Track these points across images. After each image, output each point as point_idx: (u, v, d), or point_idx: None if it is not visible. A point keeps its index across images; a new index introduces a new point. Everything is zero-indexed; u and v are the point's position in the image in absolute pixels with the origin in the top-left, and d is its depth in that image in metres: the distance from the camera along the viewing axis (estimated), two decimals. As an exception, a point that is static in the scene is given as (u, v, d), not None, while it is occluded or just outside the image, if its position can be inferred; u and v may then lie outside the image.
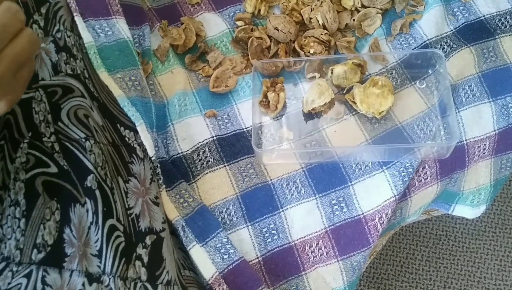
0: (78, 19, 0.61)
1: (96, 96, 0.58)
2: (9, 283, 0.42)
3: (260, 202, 0.63)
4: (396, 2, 0.74)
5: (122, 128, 0.58)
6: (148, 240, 0.52)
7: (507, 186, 1.27)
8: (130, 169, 0.55)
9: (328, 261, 0.61)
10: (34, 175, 0.47)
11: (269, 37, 0.72)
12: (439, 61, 0.67)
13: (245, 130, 0.67)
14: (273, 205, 0.63)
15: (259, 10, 0.75)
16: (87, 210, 0.48)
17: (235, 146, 0.65)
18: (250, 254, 0.60)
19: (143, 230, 0.52)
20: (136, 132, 0.59)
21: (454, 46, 0.70)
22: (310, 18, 0.72)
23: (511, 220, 1.25)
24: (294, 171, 0.64)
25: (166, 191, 0.60)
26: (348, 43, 0.71)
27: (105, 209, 0.49)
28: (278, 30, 0.71)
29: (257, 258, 0.60)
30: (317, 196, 0.63)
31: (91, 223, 0.47)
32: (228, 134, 0.66)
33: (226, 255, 0.57)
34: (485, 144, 0.67)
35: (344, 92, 0.68)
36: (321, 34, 0.70)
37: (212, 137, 0.66)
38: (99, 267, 0.46)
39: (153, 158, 0.59)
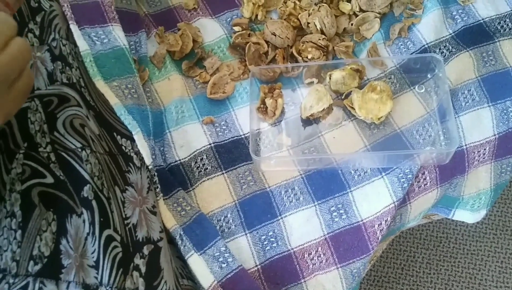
0: (73, 27, 0.60)
1: (92, 105, 0.57)
2: None
3: (258, 209, 0.62)
4: (394, 6, 0.73)
5: (118, 137, 0.58)
6: (145, 250, 0.52)
7: (508, 188, 1.27)
8: (127, 178, 0.55)
9: (328, 268, 0.61)
10: (30, 186, 0.46)
11: (267, 42, 0.72)
12: (438, 66, 0.66)
13: (243, 136, 0.66)
14: (271, 212, 0.62)
15: (256, 15, 0.75)
16: (84, 221, 0.47)
17: (233, 153, 0.65)
18: (248, 262, 0.60)
19: (140, 240, 0.52)
20: (133, 140, 0.58)
21: (453, 50, 0.70)
22: (308, 23, 0.71)
23: (512, 222, 1.24)
24: (293, 178, 0.64)
25: (163, 199, 0.59)
26: (346, 48, 0.71)
27: (102, 219, 0.48)
28: (275, 35, 0.70)
29: (256, 266, 0.60)
30: (316, 203, 0.63)
31: (88, 234, 0.47)
32: (225, 141, 0.66)
33: (224, 263, 0.57)
34: (485, 149, 0.67)
35: (343, 97, 0.68)
36: (319, 39, 0.69)
37: (210, 144, 0.65)
38: (96, 278, 0.46)
39: (150, 167, 0.58)
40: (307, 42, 0.70)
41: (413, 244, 1.23)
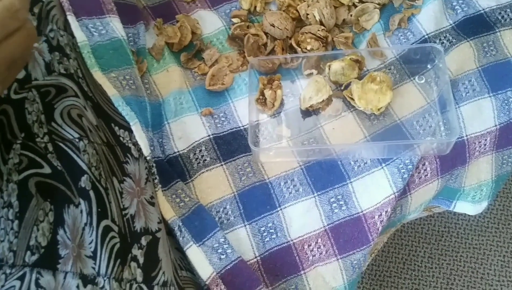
0: (71, 18, 0.60)
1: (90, 95, 0.57)
2: (2, 286, 0.41)
3: (257, 201, 0.62)
4: (394, -4, 0.73)
5: (116, 128, 0.58)
6: (143, 241, 0.52)
7: (510, 181, 1.26)
8: (125, 169, 0.55)
9: (328, 260, 0.61)
10: (27, 176, 0.46)
11: (266, 34, 0.71)
12: (438, 56, 0.66)
13: (241, 128, 0.66)
14: (271, 203, 0.62)
15: (255, 7, 0.74)
16: (81, 211, 0.47)
17: (231, 145, 0.65)
18: (248, 254, 0.59)
19: (138, 230, 0.52)
20: (130, 131, 0.58)
21: (454, 40, 0.69)
22: (307, 14, 0.71)
23: (514, 216, 1.24)
24: (292, 169, 0.63)
25: (162, 190, 0.59)
26: (345, 39, 0.70)
27: (99, 209, 0.48)
28: (274, 26, 0.70)
29: (255, 257, 0.60)
30: (315, 194, 0.62)
31: (85, 224, 0.47)
32: (224, 133, 0.66)
33: (223, 255, 0.56)
34: (486, 140, 0.66)
35: (342, 88, 0.67)
36: (318, 30, 0.69)
37: (209, 135, 0.65)
38: (94, 268, 0.46)
39: (148, 158, 0.58)
40: (306, 33, 0.70)
41: (415, 238, 1.22)
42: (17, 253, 0.43)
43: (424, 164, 0.64)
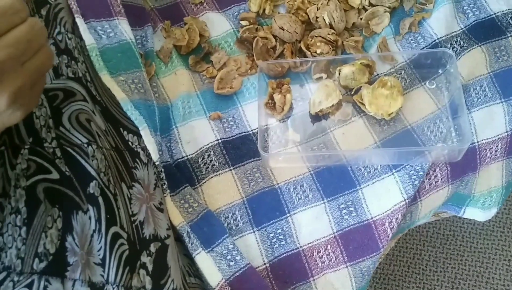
0: (79, 21, 0.59)
1: (98, 99, 0.56)
2: None
3: (267, 206, 0.61)
4: (404, 0, 0.72)
5: (125, 132, 0.57)
6: (152, 248, 0.51)
7: (516, 185, 1.26)
8: (133, 174, 0.54)
9: (337, 266, 0.60)
10: (35, 182, 0.46)
11: (275, 37, 0.71)
12: (450, 61, 0.65)
13: (250, 132, 0.65)
14: (280, 209, 0.61)
15: (264, 9, 0.73)
16: (90, 218, 0.47)
17: (240, 149, 0.64)
18: (257, 260, 0.59)
19: (147, 237, 0.51)
20: (139, 136, 0.57)
21: (465, 45, 0.68)
22: (317, 17, 0.70)
23: (520, 220, 1.23)
24: (302, 175, 0.63)
25: (170, 196, 0.58)
26: (355, 43, 0.70)
27: (108, 216, 0.47)
28: (283, 29, 0.69)
29: (264, 264, 0.59)
30: (325, 200, 0.62)
31: (94, 231, 0.46)
32: (233, 137, 0.65)
33: (232, 261, 0.56)
34: (497, 146, 0.66)
35: (352, 93, 0.67)
36: (328, 34, 0.68)
37: (217, 140, 0.64)
38: (103, 276, 0.45)
39: (157, 163, 0.57)
40: (315, 36, 0.69)
41: (420, 242, 1.22)
42: (25, 260, 0.43)
43: (434, 171, 0.63)
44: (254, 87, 0.68)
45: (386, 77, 0.64)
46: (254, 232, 0.60)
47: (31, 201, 0.45)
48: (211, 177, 0.62)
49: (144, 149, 0.57)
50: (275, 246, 0.60)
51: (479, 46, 0.68)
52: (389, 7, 0.71)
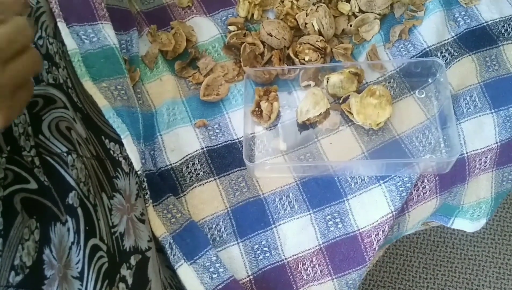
0: (61, 25, 0.58)
1: (79, 106, 0.55)
2: None
3: (251, 217, 0.60)
4: (395, 7, 0.71)
5: (107, 141, 0.56)
6: (132, 260, 0.50)
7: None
8: (114, 184, 0.53)
9: (322, 279, 0.59)
10: (12, 192, 0.44)
11: (263, 43, 0.69)
12: (440, 70, 0.64)
13: (236, 141, 0.64)
14: (265, 220, 0.60)
15: (252, 15, 0.72)
16: (68, 229, 0.45)
17: (226, 158, 0.63)
18: (240, 273, 0.58)
19: (127, 249, 0.50)
20: (121, 144, 0.56)
21: (455, 54, 0.67)
22: (306, 24, 0.69)
23: (511, 227, 1.23)
24: (288, 185, 0.62)
25: (153, 206, 0.57)
26: (344, 50, 0.68)
27: (87, 228, 0.46)
28: (272, 36, 0.68)
29: (248, 276, 0.58)
30: (311, 211, 0.60)
31: (72, 243, 0.45)
32: (218, 145, 0.64)
33: (215, 274, 0.55)
34: (486, 157, 0.65)
35: (340, 101, 0.66)
36: (317, 41, 0.67)
37: (202, 148, 0.63)
38: (80, 290, 0.44)
39: (139, 172, 0.56)
40: (304, 43, 0.68)
41: (410, 248, 1.21)
42: (0, 273, 0.41)
43: (423, 182, 0.62)
44: (241, 94, 0.67)
45: (375, 86, 0.63)
46: (238, 243, 0.59)
47: (8, 211, 0.43)
48: (195, 187, 0.61)
49: (126, 158, 0.56)
50: (259, 258, 0.58)
51: (470, 55, 0.68)
52: (379, 14, 0.70)
